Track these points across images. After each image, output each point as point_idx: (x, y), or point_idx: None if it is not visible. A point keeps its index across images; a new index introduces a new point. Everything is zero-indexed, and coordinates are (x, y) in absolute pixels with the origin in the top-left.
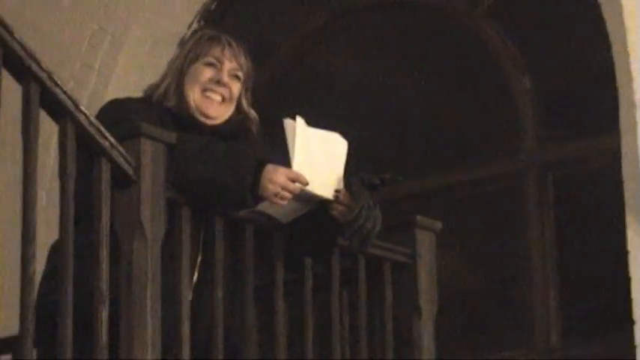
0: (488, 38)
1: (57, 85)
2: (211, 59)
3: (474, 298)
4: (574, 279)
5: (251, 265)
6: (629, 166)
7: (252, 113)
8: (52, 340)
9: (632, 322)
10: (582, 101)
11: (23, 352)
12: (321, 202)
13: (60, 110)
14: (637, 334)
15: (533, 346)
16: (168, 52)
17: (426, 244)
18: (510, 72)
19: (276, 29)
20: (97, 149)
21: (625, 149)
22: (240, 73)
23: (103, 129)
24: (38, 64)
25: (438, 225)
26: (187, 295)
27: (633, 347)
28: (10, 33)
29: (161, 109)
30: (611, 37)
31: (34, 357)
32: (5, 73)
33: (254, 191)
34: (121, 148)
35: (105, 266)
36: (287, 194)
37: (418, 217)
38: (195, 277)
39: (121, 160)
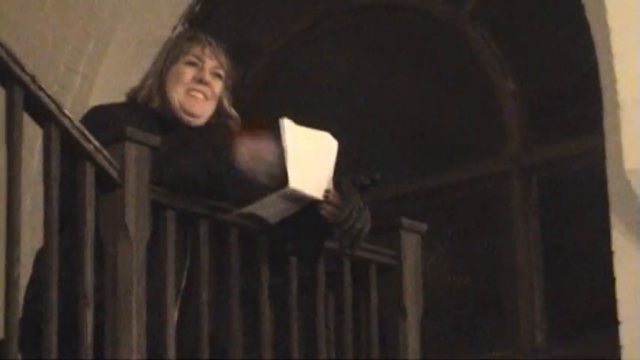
0: (473, 40)
1: (41, 88)
2: (192, 58)
3: (459, 299)
4: (559, 280)
5: (236, 267)
6: (614, 167)
7: (234, 112)
8: (37, 347)
9: (617, 323)
10: (566, 103)
11: (8, 355)
12: (310, 203)
13: (44, 114)
14: (622, 335)
15: (518, 346)
16: (152, 55)
17: (411, 246)
18: (494, 74)
19: (262, 31)
20: (82, 153)
21: (609, 150)
22: (221, 72)
23: (87, 133)
24: (22, 67)
25: (423, 227)
26: (172, 298)
27: (618, 348)
28: None
29: (146, 111)
30: (595, 39)
31: None
32: None
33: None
34: (105, 152)
35: (90, 269)
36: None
37: (403, 219)
38: (183, 282)
39: (105, 164)
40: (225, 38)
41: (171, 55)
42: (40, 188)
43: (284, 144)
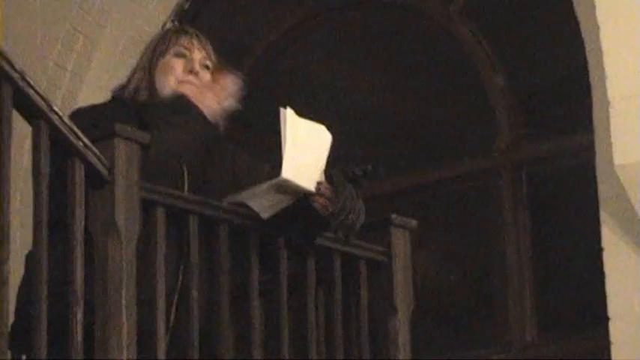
0: (462, 36)
1: (30, 85)
2: (180, 49)
3: (449, 295)
4: (549, 276)
5: (226, 264)
6: (603, 163)
7: None
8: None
9: (607, 319)
10: (556, 99)
11: None
12: (301, 196)
13: (33, 111)
14: (612, 331)
15: (508, 343)
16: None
17: (401, 242)
18: (484, 70)
19: (251, 28)
20: (71, 150)
21: (599, 146)
22: (209, 63)
23: (76, 130)
24: (11, 64)
25: (413, 223)
26: (163, 296)
27: (608, 344)
28: None
29: (132, 106)
30: (585, 35)
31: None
32: None
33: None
34: (95, 149)
35: (80, 267)
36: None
37: (393, 216)
38: (180, 281)
39: (95, 161)
40: (214, 35)
41: (159, 49)
42: (30, 186)
43: (283, 134)
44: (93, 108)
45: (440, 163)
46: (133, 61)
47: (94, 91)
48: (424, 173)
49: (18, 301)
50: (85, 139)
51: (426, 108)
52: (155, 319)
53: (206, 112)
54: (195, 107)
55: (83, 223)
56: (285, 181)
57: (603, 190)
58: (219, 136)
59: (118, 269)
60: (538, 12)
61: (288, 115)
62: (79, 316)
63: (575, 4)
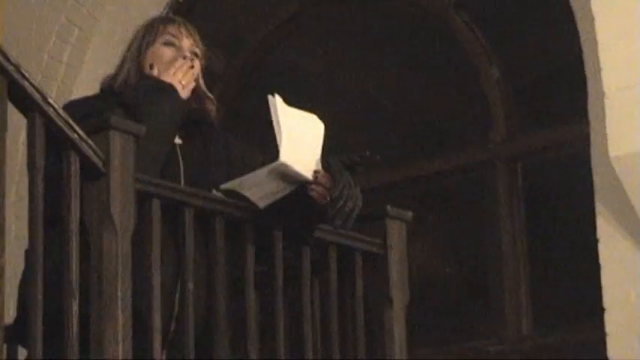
0: (457, 28)
1: (25, 78)
2: (169, 37)
3: (445, 287)
4: (544, 268)
5: (222, 256)
6: (599, 155)
7: (209, 94)
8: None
9: (602, 310)
10: (551, 90)
11: None
12: (299, 185)
13: (28, 103)
14: (607, 322)
15: (504, 334)
16: None
17: (396, 234)
18: (479, 62)
19: (246, 20)
20: (66, 142)
21: (594, 138)
22: (197, 50)
23: (71, 122)
24: (6, 57)
25: (409, 215)
26: (159, 288)
27: (604, 335)
28: None
29: (121, 97)
30: (580, 26)
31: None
32: None
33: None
34: (90, 141)
35: (75, 259)
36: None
37: (389, 207)
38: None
39: (90, 153)
40: (209, 27)
41: (147, 38)
42: (25, 178)
43: (275, 119)
44: (86, 100)
45: (435, 155)
46: None
47: (89, 84)
48: (419, 165)
49: (20, 295)
50: (80, 132)
51: (421, 100)
52: (150, 309)
53: (179, 88)
54: (169, 85)
55: (78, 215)
56: (284, 165)
57: (598, 181)
58: (203, 112)
59: (113, 261)
60: (533, 3)
61: (278, 103)
62: (75, 308)
63: None
